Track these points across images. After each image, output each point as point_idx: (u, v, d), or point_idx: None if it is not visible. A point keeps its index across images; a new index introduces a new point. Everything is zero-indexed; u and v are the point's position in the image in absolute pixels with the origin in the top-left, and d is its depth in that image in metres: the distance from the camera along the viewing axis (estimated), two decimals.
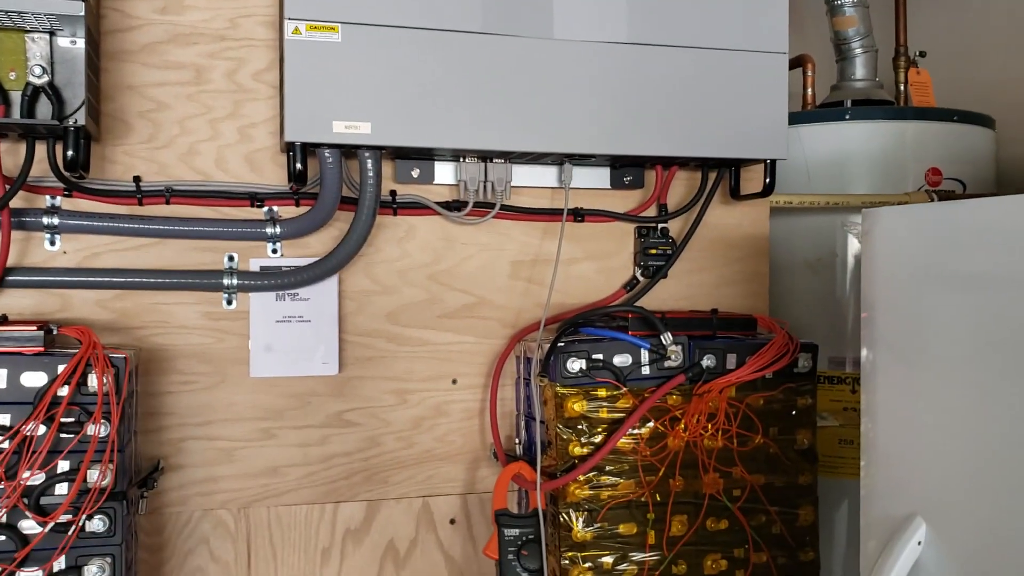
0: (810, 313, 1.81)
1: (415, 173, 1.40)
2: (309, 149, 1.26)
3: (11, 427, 1.08)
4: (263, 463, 1.35)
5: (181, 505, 1.32)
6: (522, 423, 1.41)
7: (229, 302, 1.33)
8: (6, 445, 1.08)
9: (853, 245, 1.91)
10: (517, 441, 1.41)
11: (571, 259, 1.47)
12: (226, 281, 1.30)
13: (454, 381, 1.43)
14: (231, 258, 1.33)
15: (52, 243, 1.27)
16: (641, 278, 1.49)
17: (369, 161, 1.29)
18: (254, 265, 1.33)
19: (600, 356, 1.27)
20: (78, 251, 1.28)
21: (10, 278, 1.23)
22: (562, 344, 1.28)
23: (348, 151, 1.30)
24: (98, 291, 1.28)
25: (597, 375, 1.27)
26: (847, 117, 1.89)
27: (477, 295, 1.45)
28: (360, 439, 1.39)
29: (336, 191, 1.30)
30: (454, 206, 1.41)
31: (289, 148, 1.26)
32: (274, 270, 1.33)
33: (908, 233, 0.99)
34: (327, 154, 1.27)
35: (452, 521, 1.43)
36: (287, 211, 1.35)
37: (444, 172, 1.41)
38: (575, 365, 1.26)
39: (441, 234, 1.43)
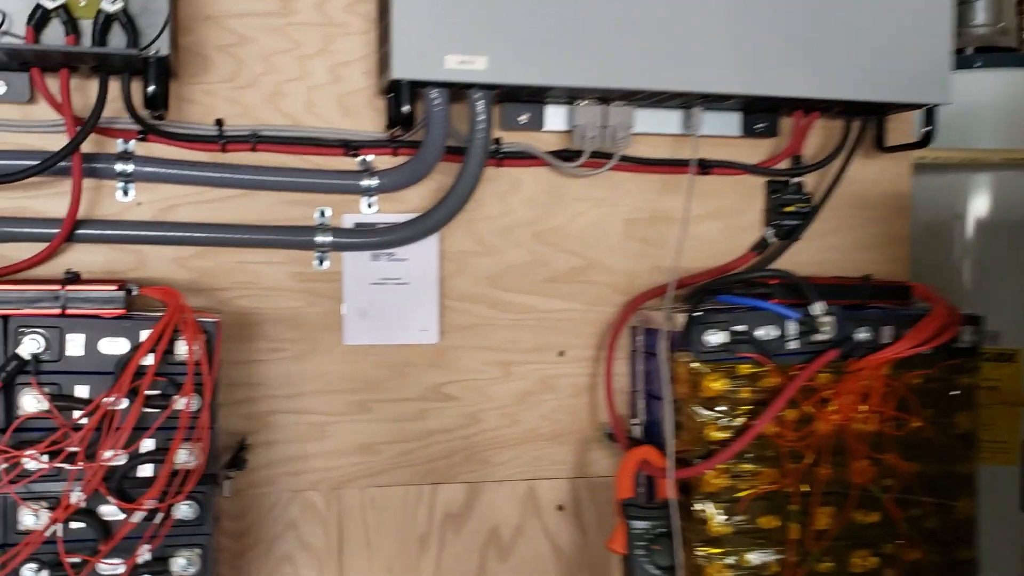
0: (926, 279, 1.66)
1: (523, 119, 1.24)
2: (414, 89, 1.11)
3: (91, 400, 0.96)
4: (357, 440, 1.22)
5: (268, 486, 1.19)
6: (641, 402, 1.26)
7: (321, 262, 1.18)
8: (86, 421, 0.95)
9: (976, 206, 1.75)
10: (635, 422, 1.27)
11: (692, 217, 1.31)
12: (319, 239, 1.16)
13: (561, 353, 1.29)
14: (322, 213, 1.18)
15: (125, 193, 1.13)
16: (771, 239, 1.33)
17: (481, 103, 1.13)
18: (348, 221, 1.19)
19: (742, 328, 1.12)
20: (154, 202, 1.14)
21: (80, 231, 1.10)
22: (698, 314, 1.13)
23: (455, 92, 1.14)
24: (176, 247, 1.14)
25: (737, 350, 1.12)
26: (977, 64, 1.71)
27: (587, 257, 1.30)
28: (460, 415, 1.26)
29: (442, 138, 1.14)
30: (566, 156, 1.25)
31: (392, 88, 1.11)
32: (371, 227, 1.18)
33: None
34: (434, 95, 1.12)
35: (560, 507, 1.29)
36: (380, 162, 1.20)
37: (555, 118, 1.25)
38: (715, 338, 1.11)
39: (548, 188, 1.28)
